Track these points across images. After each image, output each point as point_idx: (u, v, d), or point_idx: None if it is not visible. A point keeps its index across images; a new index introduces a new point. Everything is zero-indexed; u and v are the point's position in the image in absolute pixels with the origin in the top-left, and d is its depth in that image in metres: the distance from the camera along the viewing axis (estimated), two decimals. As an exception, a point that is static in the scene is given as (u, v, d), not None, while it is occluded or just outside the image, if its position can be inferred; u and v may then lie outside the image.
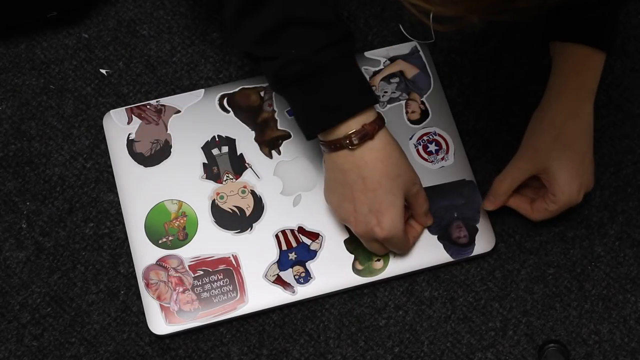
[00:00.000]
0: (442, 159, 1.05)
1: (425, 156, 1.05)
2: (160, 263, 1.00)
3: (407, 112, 1.07)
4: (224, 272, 1.00)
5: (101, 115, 1.07)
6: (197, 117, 1.06)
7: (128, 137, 1.05)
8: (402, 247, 0.99)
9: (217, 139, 1.05)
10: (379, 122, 0.92)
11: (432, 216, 1.01)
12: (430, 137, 1.06)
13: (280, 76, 0.91)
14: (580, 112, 0.97)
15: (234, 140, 1.05)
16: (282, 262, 1.01)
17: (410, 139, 1.06)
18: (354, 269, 1.01)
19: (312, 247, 1.01)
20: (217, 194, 1.03)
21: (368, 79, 1.08)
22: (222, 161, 1.04)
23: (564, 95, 0.98)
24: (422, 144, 1.06)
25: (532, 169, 0.98)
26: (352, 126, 0.90)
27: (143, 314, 1.00)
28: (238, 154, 1.05)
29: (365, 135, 0.90)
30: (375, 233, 0.94)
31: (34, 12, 1.08)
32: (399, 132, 1.06)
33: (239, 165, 1.04)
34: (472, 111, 1.10)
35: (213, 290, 0.99)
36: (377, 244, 0.97)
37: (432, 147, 1.06)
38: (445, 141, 1.06)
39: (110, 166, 1.05)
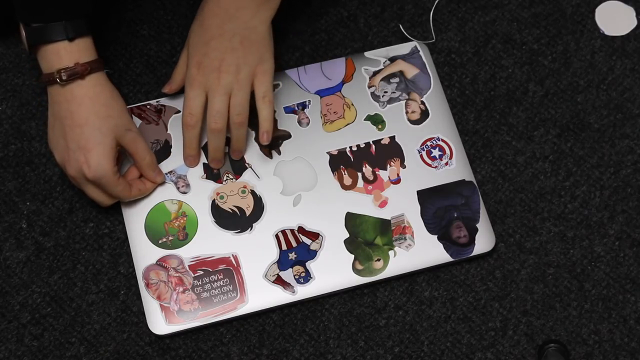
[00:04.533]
0: (446, 164, 1.05)
1: (429, 161, 1.05)
2: (160, 263, 1.01)
3: (407, 112, 1.07)
4: (224, 272, 1.00)
5: (101, 115, 1.07)
6: (197, 117, 1.06)
7: (128, 137, 1.05)
8: (119, 193, 0.99)
9: (217, 139, 1.05)
10: (94, 65, 0.96)
11: (162, 173, 1.03)
12: (434, 142, 1.06)
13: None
14: None
15: (234, 140, 1.05)
16: (282, 262, 1.01)
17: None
18: (354, 269, 1.01)
19: (312, 247, 1.01)
20: (217, 194, 1.03)
21: (368, 79, 1.09)
22: (222, 161, 1.05)
23: None
24: (425, 149, 1.06)
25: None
26: (64, 62, 0.94)
27: (143, 314, 1.00)
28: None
29: (75, 73, 0.94)
30: (84, 171, 0.96)
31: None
32: (400, 132, 1.06)
33: (239, 165, 1.04)
34: (472, 111, 1.10)
35: (213, 290, 0.99)
36: (95, 189, 0.98)
37: (436, 153, 1.06)
38: (449, 146, 1.06)
39: (110, 166, 1.05)
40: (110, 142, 0.96)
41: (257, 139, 1.05)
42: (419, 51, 1.10)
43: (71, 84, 0.95)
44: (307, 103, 1.07)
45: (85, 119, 0.95)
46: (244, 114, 0.99)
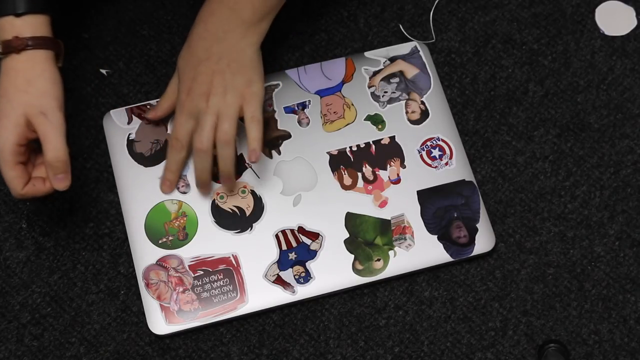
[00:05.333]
0: (446, 164, 1.05)
1: (429, 161, 1.05)
2: (160, 263, 1.01)
3: (407, 112, 1.07)
4: (224, 272, 1.00)
5: (101, 115, 1.07)
6: (197, 117, 1.06)
7: (128, 137, 1.05)
8: (10, 179, 0.93)
9: (217, 139, 1.05)
10: (35, 42, 0.92)
11: (66, 181, 0.94)
12: (434, 142, 1.06)
13: None
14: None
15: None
16: (282, 262, 1.01)
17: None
18: (354, 269, 1.01)
19: (312, 247, 1.01)
20: (217, 194, 1.03)
21: (368, 79, 1.09)
22: (222, 161, 1.05)
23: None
24: (425, 149, 1.06)
25: None
26: (5, 35, 0.93)
27: (143, 314, 1.00)
28: (238, 154, 1.05)
29: (10, 47, 0.92)
30: None
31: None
32: (400, 132, 1.06)
33: (239, 165, 1.04)
34: (472, 111, 1.10)
35: (213, 290, 0.99)
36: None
37: (436, 153, 1.06)
38: (449, 146, 1.06)
39: (110, 166, 1.05)
40: (17, 117, 0.92)
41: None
42: (419, 51, 1.10)
43: (8, 57, 0.93)
44: (307, 103, 1.07)
45: (5, 90, 0.93)
46: (230, 133, 0.97)
